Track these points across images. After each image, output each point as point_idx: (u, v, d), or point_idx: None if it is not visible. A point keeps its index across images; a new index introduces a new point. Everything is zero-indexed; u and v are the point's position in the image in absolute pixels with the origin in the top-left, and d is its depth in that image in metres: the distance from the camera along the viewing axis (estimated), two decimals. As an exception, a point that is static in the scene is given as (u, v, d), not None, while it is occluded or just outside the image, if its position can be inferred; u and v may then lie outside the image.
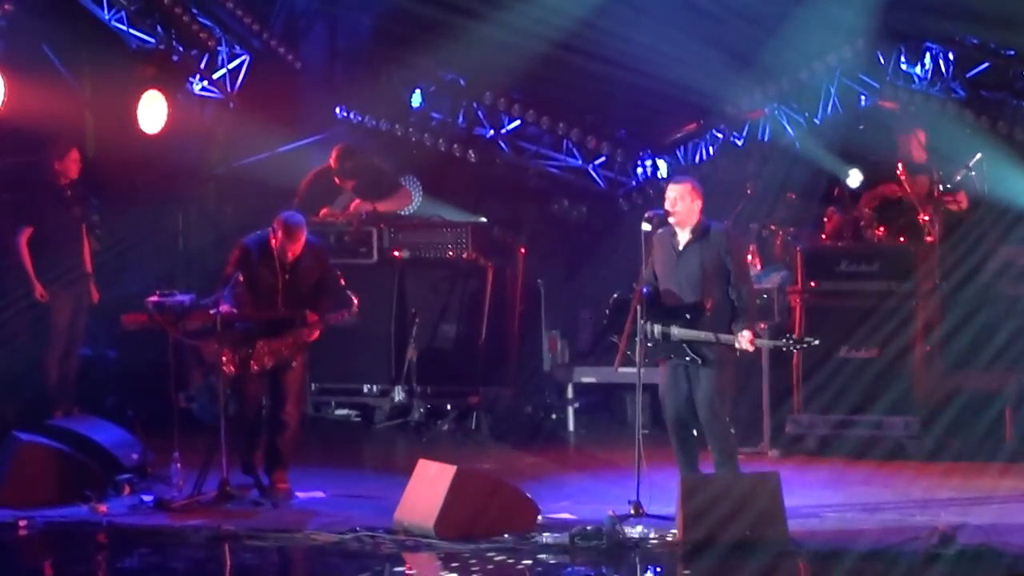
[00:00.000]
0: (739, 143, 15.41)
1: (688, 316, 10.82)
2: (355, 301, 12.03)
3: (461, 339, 15.01)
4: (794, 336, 11.07)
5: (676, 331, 10.82)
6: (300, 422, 12.12)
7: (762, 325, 11.27)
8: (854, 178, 14.58)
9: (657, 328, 10.85)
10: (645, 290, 10.80)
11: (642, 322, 10.76)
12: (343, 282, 12.12)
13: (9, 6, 13.90)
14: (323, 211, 15.25)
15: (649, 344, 10.84)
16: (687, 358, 10.80)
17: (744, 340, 10.70)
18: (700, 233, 10.96)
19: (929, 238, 13.72)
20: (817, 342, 11.16)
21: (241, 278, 11.68)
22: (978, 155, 13.97)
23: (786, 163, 15.24)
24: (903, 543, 9.83)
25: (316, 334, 11.93)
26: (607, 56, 15.09)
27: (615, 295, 11.17)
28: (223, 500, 11.51)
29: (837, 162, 14.71)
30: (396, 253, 15.02)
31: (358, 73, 16.69)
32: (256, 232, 12.00)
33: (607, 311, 11.20)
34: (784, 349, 11.02)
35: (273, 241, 11.83)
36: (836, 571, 9.65)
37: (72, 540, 10.92)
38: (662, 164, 15.70)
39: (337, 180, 15.33)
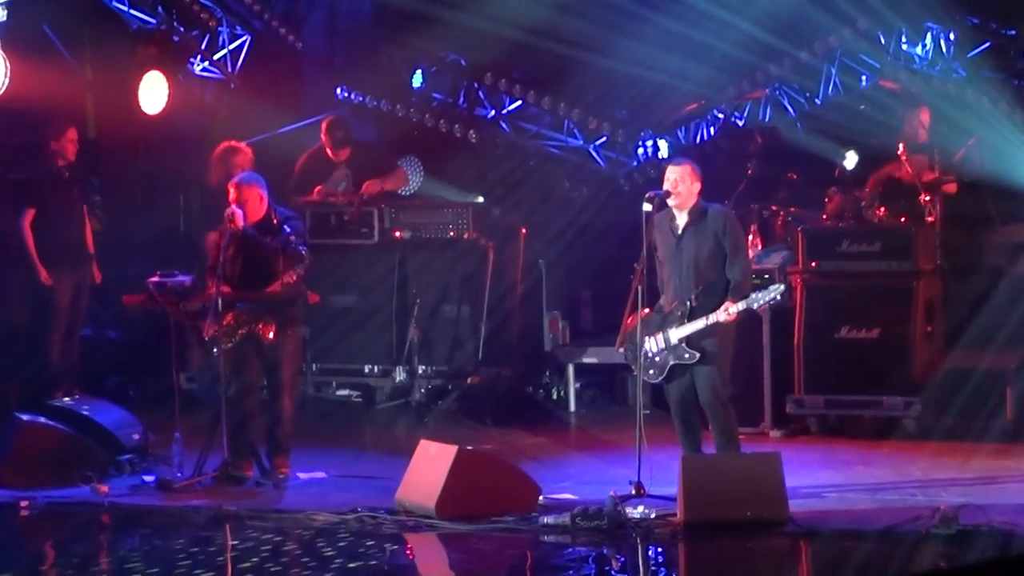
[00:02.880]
0: (740, 123, 15.38)
1: (680, 314, 10.82)
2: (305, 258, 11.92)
3: (462, 319, 14.99)
4: (760, 292, 10.88)
5: (673, 333, 10.82)
6: (294, 409, 12.08)
7: (762, 308, 11.20)
8: (851, 160, 14.59)
9: (660, 338, 10.86)
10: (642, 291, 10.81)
11: (644, 338, 10.80)
12: (303, 248, 11.97)
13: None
14: (317, 189, 15.13)
15: (657, 359, 10.85)
16: (686, 355, 10.79)
17: (722, 313, 10.71)
18: (698, 216, 10.95)
19: (930, 218, 13.72)
20: (783, 287, 11.11)
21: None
22: (974, 137, 13.99)
23: (787, 143, 15.23)
24: (904, 523, 9.83)
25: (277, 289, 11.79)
26: (608, 36, 15.06)
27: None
28: (224, 480, 11.54)
29: (833, 145, 14.70)
30: (397, 234, 14.98)
31: (359, 53, 16.65)
32: None
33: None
34: (755, 307, 10.88)
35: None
36: (837, 551, 9.67)
37: (74, 520, 10.96)
38: (663, 144, 15.67)
39: (330, 152, 15.20)
